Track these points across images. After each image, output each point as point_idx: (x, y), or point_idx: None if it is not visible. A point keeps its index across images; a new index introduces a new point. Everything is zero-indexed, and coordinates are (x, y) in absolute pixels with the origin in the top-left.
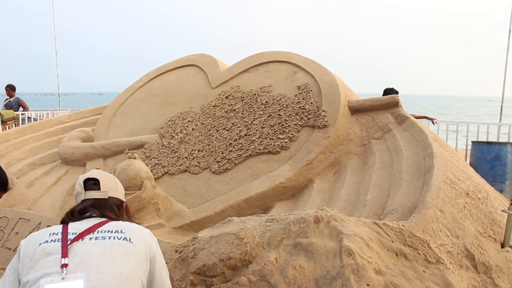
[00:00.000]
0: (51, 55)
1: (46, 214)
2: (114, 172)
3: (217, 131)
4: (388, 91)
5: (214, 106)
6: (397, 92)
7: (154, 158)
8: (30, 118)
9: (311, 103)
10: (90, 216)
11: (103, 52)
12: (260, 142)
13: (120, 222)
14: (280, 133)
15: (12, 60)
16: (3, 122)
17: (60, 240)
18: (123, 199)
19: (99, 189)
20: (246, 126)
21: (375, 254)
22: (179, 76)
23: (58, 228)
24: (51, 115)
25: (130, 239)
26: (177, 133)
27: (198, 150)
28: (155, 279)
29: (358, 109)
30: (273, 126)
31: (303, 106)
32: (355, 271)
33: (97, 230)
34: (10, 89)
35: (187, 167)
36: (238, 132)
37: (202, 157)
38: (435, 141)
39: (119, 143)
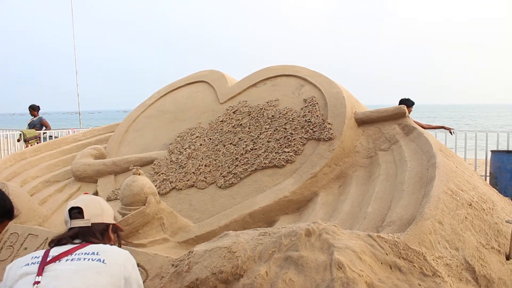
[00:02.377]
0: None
1: (57, 230)
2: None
3: (224, 146)
4: (404, 102)
5: (221, 121)
6: (413, 103)
7: (162, 173)
8: (51, 136)
9: (317, 116)
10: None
11: (126, 71)
12: (266, 156)
13: (99, 245)
14: (285, 146)
15: (39, 83)
16: (25, 141)
17: (39, 262)
18: (110, 221)
19: (83, 217)
20: (252, 140)
21: (368, 267)
22: (189, 92)
23: (41, 252)
24: (72, 132)
25: (103, 260)
26: (185, 149)
27: (205, 165)
28: None
29: (364, 121)
30: (278, 140)
31: (309, 119)
32: (345, 284)
33: (75, 252)
34: (33, 109)
35: (194, 182)
36: (244, 146)
37: (209, 172)
38: (440, 151)
39: (129, 160)
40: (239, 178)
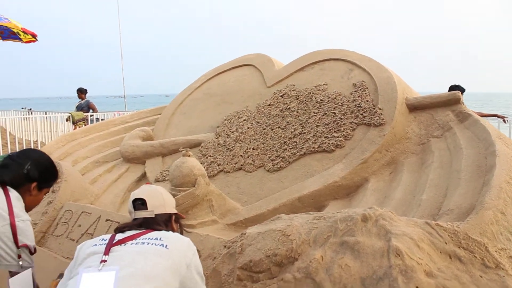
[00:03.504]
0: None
1: (106, 209)
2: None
3: (272, 129)
4: (454, 88)
5: (269, 105)
6: (463, 90)
7: (210, 156)
8: (98, 119)
9: (367, 101)
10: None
11: (167, 56)
12: (315, 140)
13: (163, 231)
14: (335, 131)
15: (85, 68)
16: (74, 123)
17: (106, 244)
18: (172, 211)
19: (146, 209)
20: (300, 124)
21: (426, 255)
22: (236, 76)
23: (108, 236)
24: (117, 115)
25: (166, 245)
26: (232, 132)
27: (253, 149)
28: (188, 286)
29: (416, 107)
30: (327, 125)
31: (359, 104)
32: (403, 272)
33: (139, 237)
34: (80, 92)
35: (242, 165)
36: (292, 130)
37: (257, 155)
38: (499, 139)
39: (177, 142)
40: (288, 162)
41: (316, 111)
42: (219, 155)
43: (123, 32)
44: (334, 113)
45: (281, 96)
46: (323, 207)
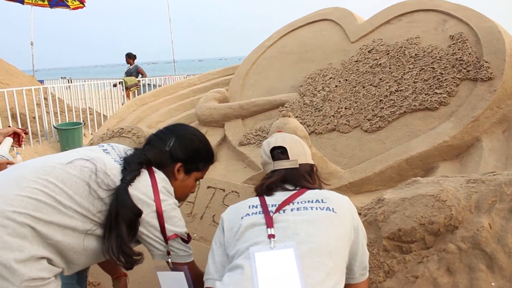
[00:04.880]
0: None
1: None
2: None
3: (364, 87)
4: None
5: (356, 61)
6: None
7: (297, 117)
8: (150, 84)
9: (469, 54)
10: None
11: (202, 22)
12: (415, 98)
13: (317, 190)
14: (436, 87)
15: (134, 35)
16: (126, 88)
17: (261, 212)
18: (312, 162)
19: (288, 158)
20: (395, 81)
21: None
22: (313, 32)
23: (255, 200)
24: (168, 80)
25: (333, 208)
26: (318, 91)
27: (345, 108)
28: (359, 251)
29: None
30: (427, 81)
31: (460, 57)
32: None
33: (296, 200)
34: (129, 57)
35: (335, 125)
36: (387, 88)
37: (351, 115)
38: None
39: (257, 103)
40: (387, 122)
41: (411, 66)
42: (307, 115)
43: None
44: (433, 68)
45: (368, 52)
46: (432, 169)
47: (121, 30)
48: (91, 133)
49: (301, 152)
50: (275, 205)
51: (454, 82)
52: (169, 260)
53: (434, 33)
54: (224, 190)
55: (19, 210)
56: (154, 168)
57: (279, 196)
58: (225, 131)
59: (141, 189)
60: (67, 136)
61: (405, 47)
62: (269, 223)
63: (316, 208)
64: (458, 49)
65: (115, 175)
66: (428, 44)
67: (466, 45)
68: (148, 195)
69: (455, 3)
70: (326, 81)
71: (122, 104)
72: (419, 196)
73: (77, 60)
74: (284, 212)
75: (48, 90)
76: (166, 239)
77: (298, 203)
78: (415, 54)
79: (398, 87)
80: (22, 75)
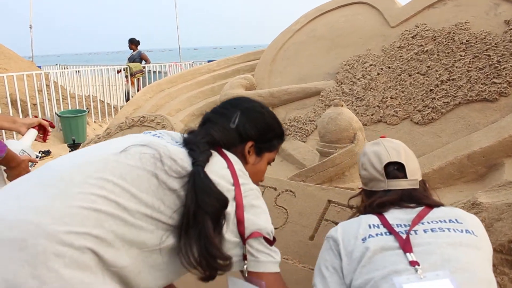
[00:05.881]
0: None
1: None
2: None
3: (410, 75)
4: None
5: (399, 47)
6: None
7: None
8: (155, 72)
9: None
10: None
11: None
12: (470, 88)
13: (443, 208)
14: (494, 77)
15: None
16: (131, 75)
17: (388, 233)
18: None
19: (406, 176)
20: (446, 69)
21: None
22: (345, 16)
23: (373, 218)
24: (174, 67)
25: (473, 231)
26: (359, 79)
27: (391, 98)
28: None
29: None
30: (482, 69)
31: None
32: None
33: (424, 220)
34: (131, 43)
35: (381, 116)
36: (437, 76)
37: (398, 105)
38: None
39: (290, 91)
40: (440, 113)
41: (462, 53)
42: (347, 105)
43: None
44: (488, 55)
45: (412, 37)
46: (495, 166)
47: (116, 17)
48: (94, 121)
49: (417, 167)
50: (401, 225)
51: None
52: (245, 267)
53: (485, 18)
54: (275, 189)
55: (76, 229)
56: (223, 149)
57: (400, 214)
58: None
59: (217, 172)
60: (71, 124)
61: (454, 33)
62: (407, 247)
63: (455, 230)
64: None
65: (182, 159)
66: (479, 29)
67: None
68: (227, 178)
69: None
70: (366, 68)
71: (125, 91)
72: None
73: (71, 47)
74: (416, 233)
75: (51, 76)
76: (244, 237)
77: (429, 223)
78: (466, 41)
79: (450, 76)
80: (21, 60)
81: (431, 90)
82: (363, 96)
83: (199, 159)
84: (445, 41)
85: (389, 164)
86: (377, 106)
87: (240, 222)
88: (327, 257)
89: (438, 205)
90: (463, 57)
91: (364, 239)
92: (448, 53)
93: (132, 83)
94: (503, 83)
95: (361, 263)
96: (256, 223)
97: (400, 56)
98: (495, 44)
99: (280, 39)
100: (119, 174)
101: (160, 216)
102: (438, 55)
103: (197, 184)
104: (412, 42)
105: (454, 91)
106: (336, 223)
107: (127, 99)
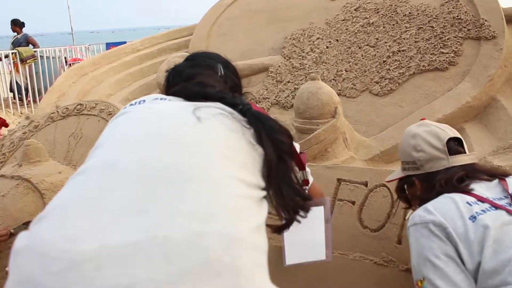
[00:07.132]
0: None
1: None
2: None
3: (360, 48)
4: None
5: (343, 20)
6: None
7: (289, 82)
8: (48, 57)
9: (465, 13)
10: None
11: None
12: (421, 58)
13: None
14: (441, 47)
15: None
16: (22, 60)
17: (493, 208)
18: None
19: (464, 152)
20: (395, 41)
21: None
22: None
23: (463, 196)
24: (68, 50)
25: None
26: (307, 53)
27: (346, 71)
28: None
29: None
30: (429, 40)
31: (457, 16)
32: None
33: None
34: (14, 24)
35: (339, 90)
36: (387, 48)
37: (355, 78)
38: None
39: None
40: (397, 84)
41: (407, 25)
42: (300, 80)
43: None
44: (432, 27)
45: (355, 10)
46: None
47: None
48: None
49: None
50: (496, 198)
51: (458, 41)
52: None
53: None
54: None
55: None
56: None
57: (483, 189)
58: None
59: None
60: None
61: (395, 5)
62: None
63: None
64: (453, 8)
65: (224, 108)
66: (419, 2)
67: (460, 4)
68: None
69: None
70: (313, 42)
71: (8, 81)
72: None
73: None
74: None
75: None
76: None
77: None
78: (409, 13)
79: (400, 47)
80: None
81: (384, 61)
82: (315, 70)
83: (241, 102)
84: (389, 13)
85: (449, 140)
86: (333, 79)
87: (297, 153)
88: (432, 245)
89: (507, 175)
90: (409, 29)
91: (472, 218)
92: (393, 25)
93: (18, 70)
94: (450, 53)
95: (486, 243)
96: (298, 148)
97: (346, 29)
98: (435, 16)
99: (211, 14)
100: (229, 148)
101: (260, 182)
102: (384, 27)
103: (263, 124)
104: (356, 15)
105: (407, 61)
106: (353, 202)
107: (11, 89)
